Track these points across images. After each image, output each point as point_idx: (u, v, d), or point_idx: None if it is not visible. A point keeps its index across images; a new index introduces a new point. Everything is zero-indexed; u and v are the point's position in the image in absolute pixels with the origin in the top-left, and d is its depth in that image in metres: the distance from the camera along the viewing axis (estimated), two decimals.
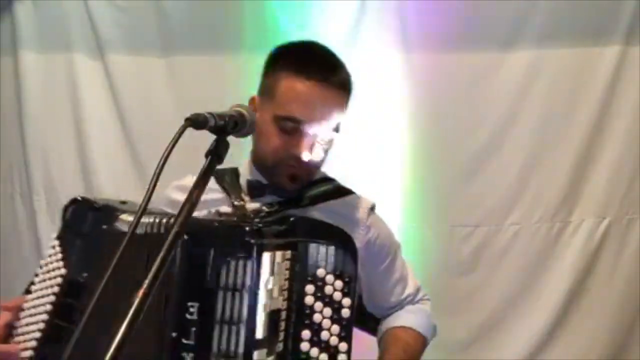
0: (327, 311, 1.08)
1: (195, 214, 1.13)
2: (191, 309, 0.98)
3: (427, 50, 2.46)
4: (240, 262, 0.98)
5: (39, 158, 2.75)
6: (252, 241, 0.98)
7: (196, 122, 0.90)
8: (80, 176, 2.72)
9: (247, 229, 1.01)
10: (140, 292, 0.76)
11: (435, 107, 2.47)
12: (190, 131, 0.88)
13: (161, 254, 0.80)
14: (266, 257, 0.99)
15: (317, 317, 1.08)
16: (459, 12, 2.43)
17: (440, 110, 2.47)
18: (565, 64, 2.45)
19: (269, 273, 0.99)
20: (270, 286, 0.99)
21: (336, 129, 1.25)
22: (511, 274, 2.48)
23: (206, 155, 0.93)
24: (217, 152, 0.94)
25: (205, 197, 1.25)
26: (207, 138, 0.95)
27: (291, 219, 1.12)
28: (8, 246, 2.84)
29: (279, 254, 1.02)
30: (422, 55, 2.47)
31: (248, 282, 0.97)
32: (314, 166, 1.28)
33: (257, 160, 1.31)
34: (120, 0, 2.62)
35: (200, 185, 0.90)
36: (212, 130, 0.93)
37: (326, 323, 1.08)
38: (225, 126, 0.95)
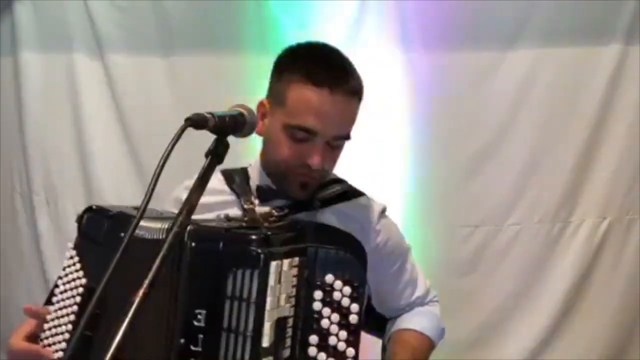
0: (335, 317, 1.08)
1: (204, 216, 1.14)
2: (199, 316, 0.98)
3: (427, 50, 2.46)
4: (247, 272, 0.97)
5: (39, 158, 2.75)
6: (259, 251, 0.98)
7: (196, 122, 0.90)
8: (80, 176, 2.72)
9: (254, 237, 1.00)
10: (140, 292, 0.76)
11: (435, 107, 2.47)
12: (190, 131, 0.88)
13: (161, 253, 0.80)
14: (273, 265, 0.98)
15: (325, 323, 1.07)
16: (459, 12, 2.42)
17: (440, 110, 2.47)
18: (565, 64, 2.45)
19: (276, 282, 0.98)
20: (277, 294, 0.99)
21: (347, 136, 1.24)
22: (511, 274, 2.48)
23: (206, 155, 0.94)
24: (217, 152, 0.94)
25: (215, 199, 1.27)
26: (207, 138, 0.95)
27: (300, 224, 1.11)
28: (8, 246, 2.84)
29: (286, 261, 1.01)
30: (422, 55, 2.46)
31: (255, 291, 0.97)
32: (325, 174, 1.27)
33: (267, 166, 1.29)
34: (120, 0, 2.62)
35: (199, 185, 0.90)
36: (212, 130, 0.94)
37: (334, 328, 1.08)
38: (225, 126, 0.95)
